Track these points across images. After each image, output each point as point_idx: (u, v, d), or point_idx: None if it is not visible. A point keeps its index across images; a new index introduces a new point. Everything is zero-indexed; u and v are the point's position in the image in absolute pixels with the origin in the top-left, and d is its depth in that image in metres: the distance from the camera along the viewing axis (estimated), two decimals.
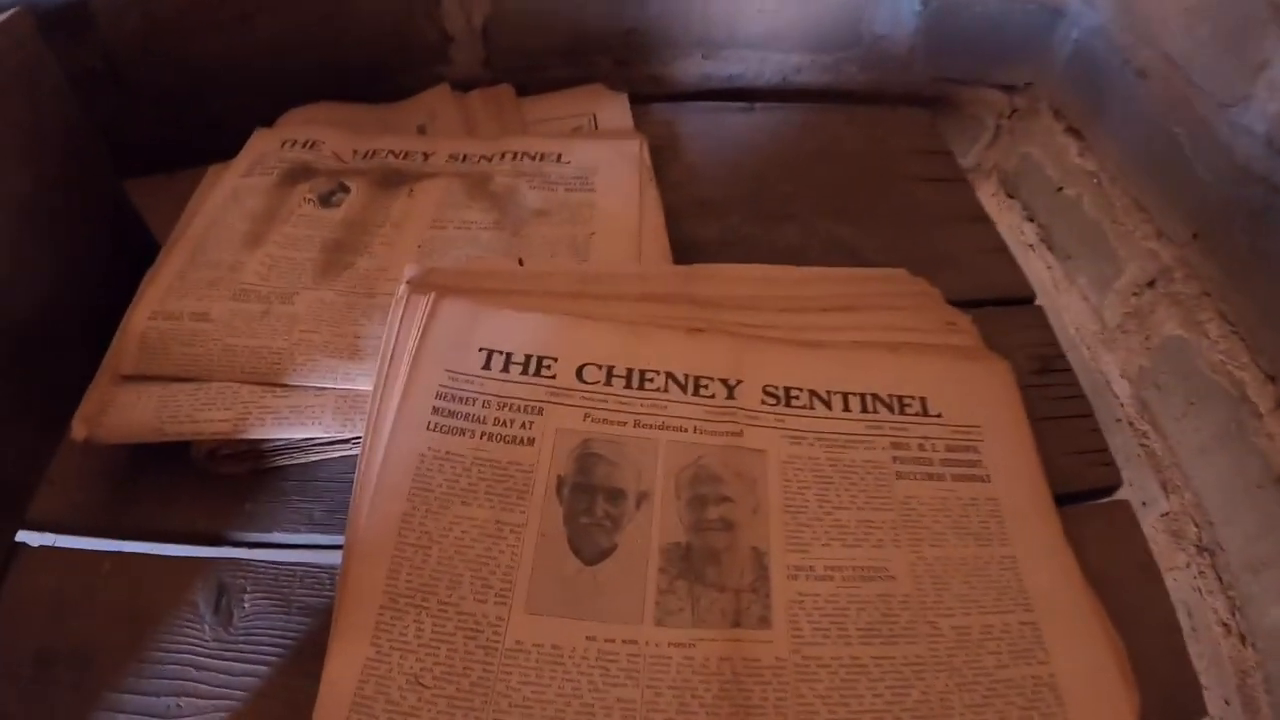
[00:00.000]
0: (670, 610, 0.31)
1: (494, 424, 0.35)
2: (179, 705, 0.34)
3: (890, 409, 0.37)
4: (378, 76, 0.61)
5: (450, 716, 0.29)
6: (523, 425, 0.35)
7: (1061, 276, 0.64)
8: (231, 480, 0.40)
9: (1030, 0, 0.61)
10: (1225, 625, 0.48)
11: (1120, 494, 0.46)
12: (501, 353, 0.37)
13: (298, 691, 0.34)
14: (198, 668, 0.36)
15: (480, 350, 0.37)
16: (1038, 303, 0.48)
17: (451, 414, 0.35)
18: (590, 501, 0.33)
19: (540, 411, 0.36)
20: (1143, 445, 0.56)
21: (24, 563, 0.39)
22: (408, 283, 0.40)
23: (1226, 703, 0.48)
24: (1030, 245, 0.67)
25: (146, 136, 0.57)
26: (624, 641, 0.30)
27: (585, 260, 0.44)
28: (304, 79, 0.60)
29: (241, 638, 0.36)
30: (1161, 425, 0.54)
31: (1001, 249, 0.50)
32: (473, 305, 0.39)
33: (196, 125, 0.60)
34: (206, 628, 0.36)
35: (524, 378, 0.37)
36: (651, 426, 0.35)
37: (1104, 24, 0.58)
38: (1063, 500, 0.38)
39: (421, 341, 0.37)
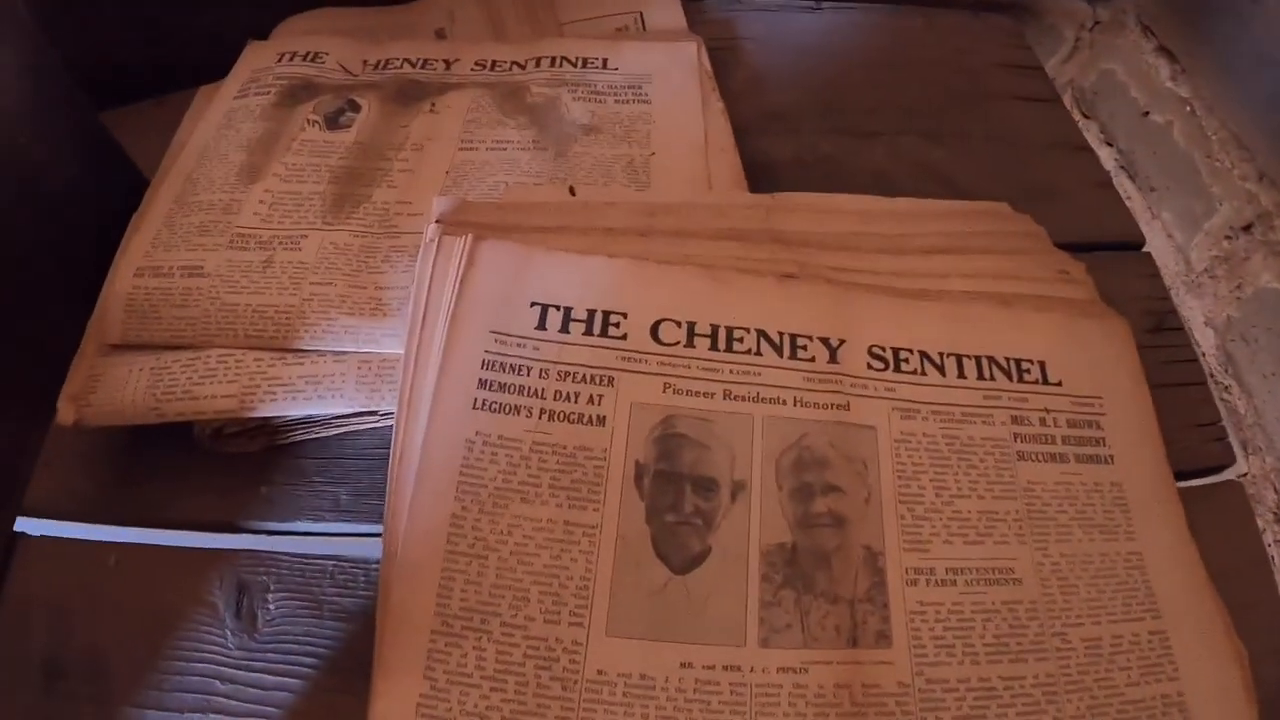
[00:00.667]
0: (777, 628, 0.25)
1: (555, 399, 0.28)
2: None
3: (1008, 375, 0.30)
4: None
5: None
6: (590, 400, 0.28)
7: (1143, 210, 0.55)
8: (243, 460, 0.33)
9: None
10: None
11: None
12: (559, 308, 0.29)
13: (340, 710, 0.28)
14: (222, 680, 0.29)
15: (533, 305, 0.29)
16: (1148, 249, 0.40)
17: (502, 388, 0.28)
18: (677, 495, 0.26)
19: (611, 382, 0.28)
20: (1223, 400, 0.49)
21: (25, 557, 0.32)
22: (437, 221, 0.32)
23: None
24: (1109, 171, 0.58)
25: (127, 58, 0.46)
26: (725, 668, 0.24)
27: (647, 187, 0.36)
28: None
29: (269, 645, 0.30)
30: (1247, 382, 0.47)
31: (1107, 184, 0.42)
32: (520, 249, 0.30)
33: (185, 42, 0.49)
34: (229, 633, 0.30)
35: (588, 338, 0.29)
36: (744, 399, 0.28)
37: None
38: (1178, 479, 0.32)
39: (459, 296, 0.29)
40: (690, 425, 0.27)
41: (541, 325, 0.29)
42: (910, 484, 0.28)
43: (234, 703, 0.29)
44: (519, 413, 0.28)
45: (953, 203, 0.36)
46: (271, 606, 0.31)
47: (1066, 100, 0.61)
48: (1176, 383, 0.36)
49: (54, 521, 0.33)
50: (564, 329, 0.29)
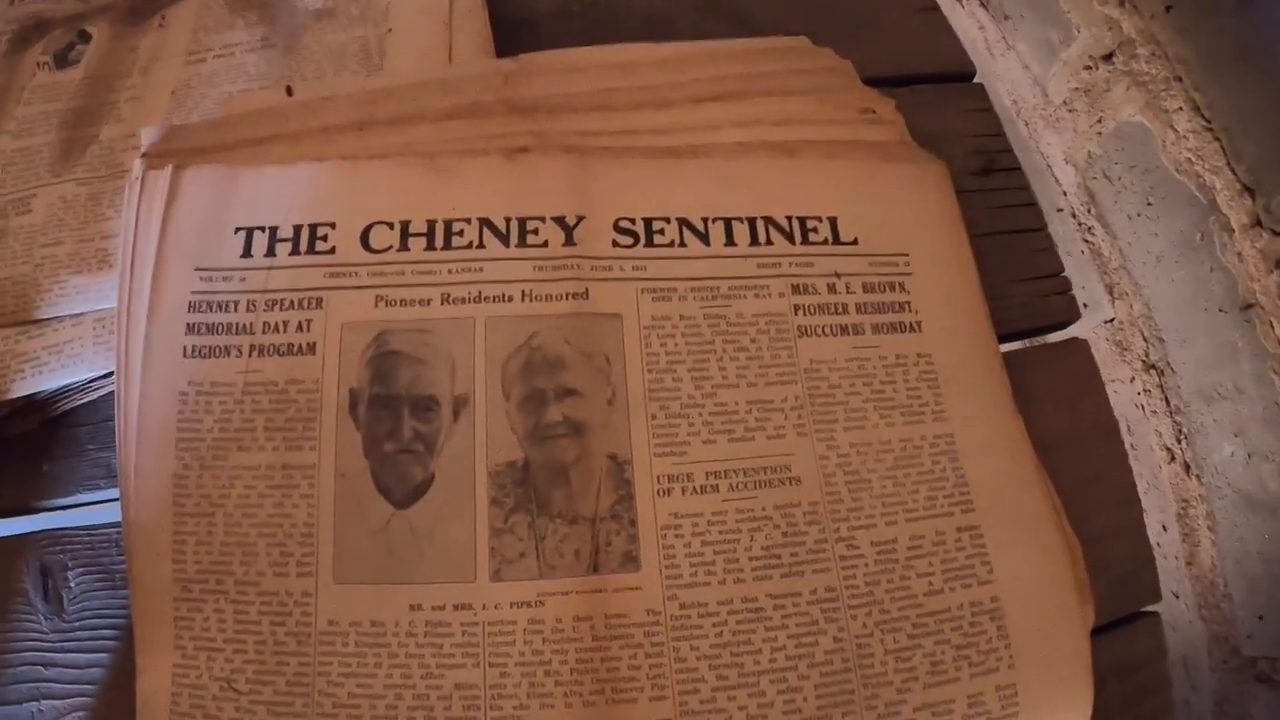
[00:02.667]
0: (509, 558, 0.19)
1: (264, 332, 0.21)
2: (39, 709, 0.24)
3: (789, 237, 0.23)
4: None
5: None
6: (299, 327, 0.21)
7: (997, 39, 0.45)
8: (24, 440, 0.27)
9: None
10: (1169, 450, 0.37)
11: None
12: (265, 229, 0.22)
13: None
14: (46, 665, 0.25)
15: (237, 231, 0.22)
16: (977, 79, 0.31)
17: (211, 328, 0.21)
18: (395, 420, 0.20)
19: (319, 304, 0.21)
20: (1087, 241, 0.41)
21: None
22: (143, 155, 0.24)
23: (1164, 528, 0.38)
24: (981, 27, 0.47)
25: None
26: (455, 607, 0.19)
27: (379, 71, 0.27)
28: None
29: (77, 624, 0.25)
30: (1110, 222, 0.39)
31: (932, 7, 0.32)
32: (224, 170, 0.23)
33: None
34: (42, 618, 0.25)
35: (295, 259, 0.22)
36: (465, 300, 0.21)
37: None
38: (1006, 339, 0.25)
39: (163, 235, 0.22)
40: (405, 340, 0.21)
41: (247, 252, 0.22)
42: (663, 377, 0.21)
43: (59, 685, 0.25)
44: (229, 354, 0.21)
45: (734, 41, 0.27)
46: (73, 584, 0.26)
47: None
48: (1010, 230, 0.29)
49: None
50: (270, 252, 0.22)
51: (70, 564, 0.27)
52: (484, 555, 0.19)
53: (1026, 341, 0.27)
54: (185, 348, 0.22)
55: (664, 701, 0.18)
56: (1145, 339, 0.38)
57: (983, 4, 0.45)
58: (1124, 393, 0.40)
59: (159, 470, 0.21)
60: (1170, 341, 0.36)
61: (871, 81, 0.29)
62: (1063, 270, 0.29)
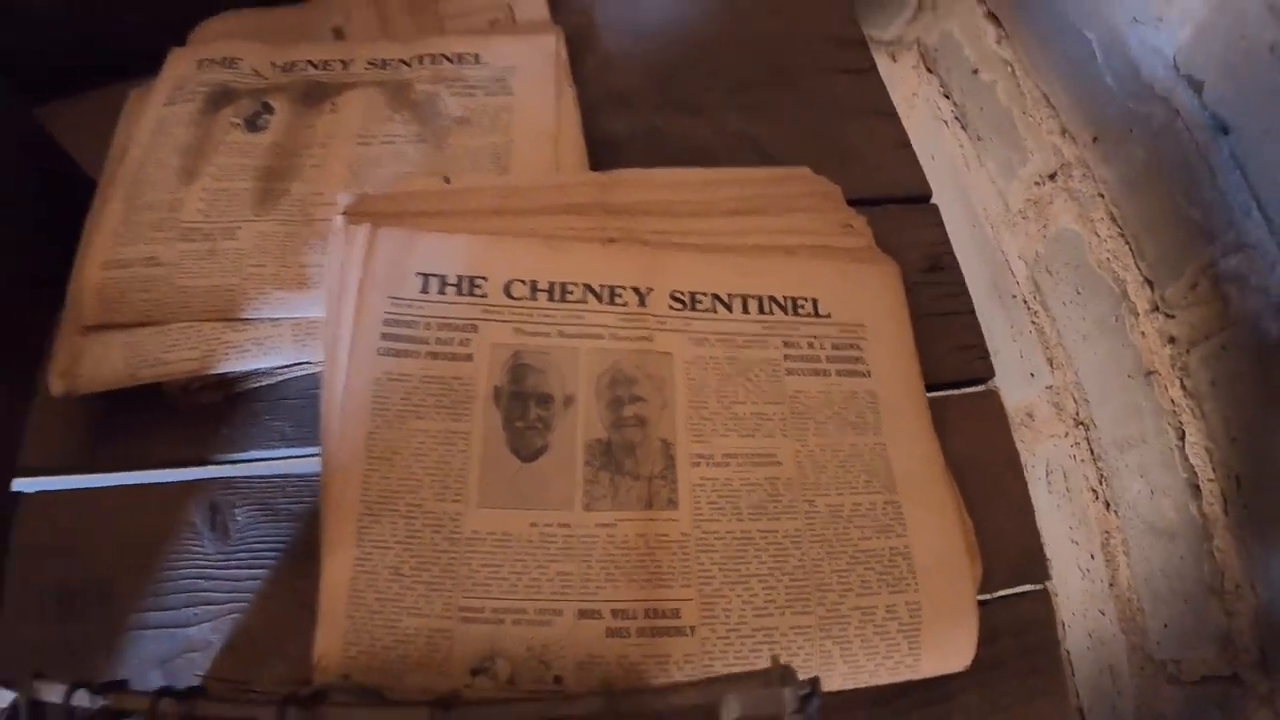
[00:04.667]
0: (596, 497, 0.38)
1: (436, 344, 0.40)
2: (195, 614, 0.41)
3: (784, 310, 0.43)
4: None
5: (427, 598, 0.36)
6: (460, 343, 0.40)
7: (973, 156, 0.68)
8: (206, 409, 0.45)
9: None
10: (1094, 491, 0.58)
11: (1012, 365, 0.52)
12: (437, 276, 0.41)
13: (296, 589, 0.41)
14: (206, 579, 0.43)
15: (418, 275, 0.42)
16: (955, 189, 0.52)
17: (398, 338, 0.40)
18: (524, 407, 0.39)
19: (475, 329, 0.40)
20: (1034, 323, 0.63)
21: (28, 510, 0.44)
22: (344, 213, 0.43)
23: (1092, 557, 0.58)
24: (945, 121, 0.70)
25: (46, 59, 0.55)
26: (559, 525, 0.37)
27: (506, 170, 0.48)
28: None
29: (240, 547, 0.43)
30: (1051, 308, 0.61)
31: (905, 145, 0.54)
32: (407, 232, 0.42)
33: (101, 41, 0.58)
34: (207, 543, 0.43)
35: (459, 298, 0.41)
36: (573, 336, 0.41)
37: None
38: (939, 388, 0.44)
39: (365, 273, 0.42)
40: (533, 357, 0.41)
41: (425, 290, 0.41)
42: (698, 394, 0.41)
43: (216, 594, 0.42)
44: (411, 356, 0.40)
45: (756, 170, 0.48)
46: (239, 519, 0.44)
47: (913, 55, 0.73)
48: (947, 312, 0.49)
49: (48, 478, 0.45)
50: (441, 292, 0.41)
51: (238, 503, 0.44)
52: (579, 495, 0.38)
53: (954, 390, 0.47)
54: (380, 348, 0.40)
55: (688, 588, 0.37)
56: (1075, 401, 0.59)
57: (963, 127, 0.68)
58: (1061, 446, 0.60)
59: (356, 428, 0.39)
60: (1093, 402, 0.57)
61: (854, 201, 0.50)
62: (983, 342, 0.49)
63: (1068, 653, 0.64)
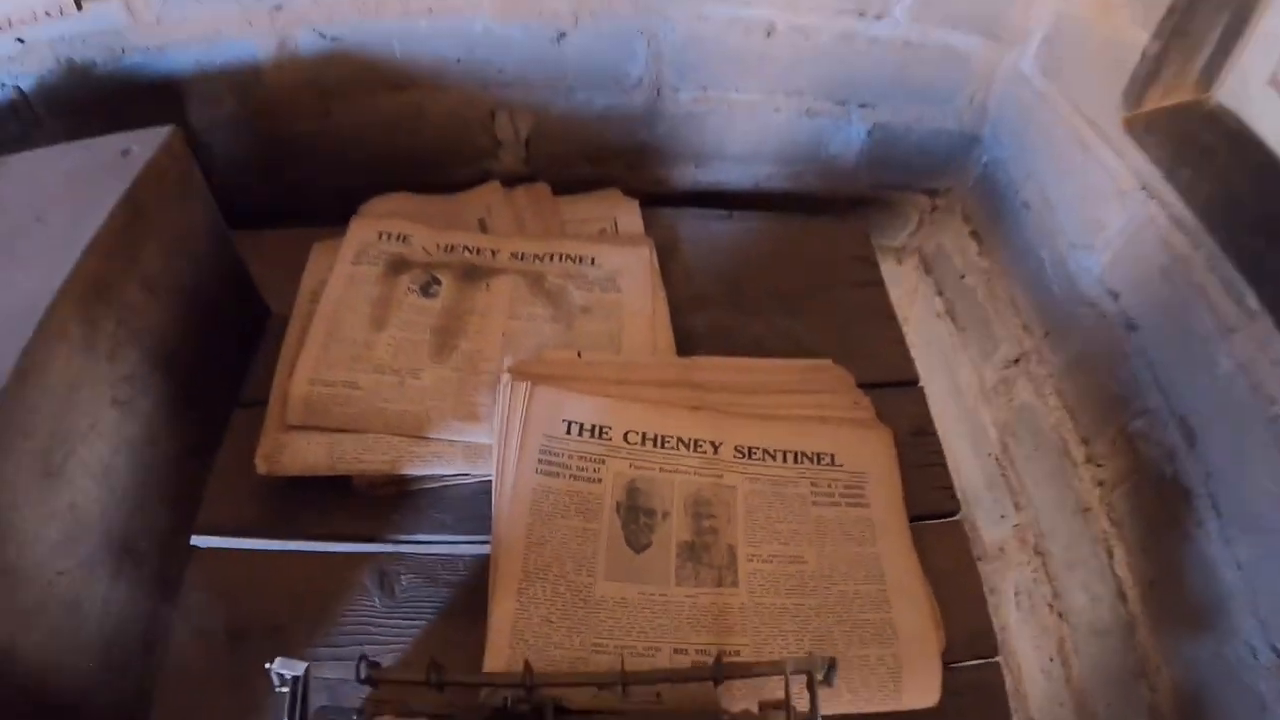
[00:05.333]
0: (683, 577, 0.68)
1: (576, 470, 0.72)
2: (361, 652, 0.57)
3: (812, 461, 0.76)
4: (439, 166, 0.96)
5: (568, 637, 0.66)
6: (594, 471, 0.73)
7: (958, 343, 1.05)
8: (382, 500, 0.76)
9: (955, 128, 1.00)
10: (1050, 605, 0.91)
11: (988, 509, 0.86)
12: (577, 423, 0.74)
13: (449, 639, 0.67)
14: (374, 627, 0.69)
15: (564, 421, 0.74)
16: (921, 384, 0.88)
17: (550, 464, 0.72)
18: (636, 516, 0.71)
19: (603, 462, 0.73)
20: (1003, 475, 0.98)
21: (203, 561, 0.71)
22: (509, 370, 0.77)
23: (1050, 659, 0.90)
24: (938, 314, 1.08)
25: (231, 199, 0.85)
26: (659, 594, 0.68)
27: (618, 349, 0.81)
28: (378, 163, 0.95)
29: (405, 604, 0.71)
30: (1016, 462, 0.96)
31: (900, 341, 0.89)
32: (557, 391, 0.75)
33: (277, 191, 0.94)
34: (376, 600, 0.71)
35: (591, 440, 0.74)
36: (669, 471, 0.73)
37: (1005, 158, 0.97)
38: (920, 519, 0.78)
39: (527, 417, 0.74)
40: (643, 483, 0.72)
41: (568, 432, 0.74)
42: (752, 515, 0.72)
43: (381, 637, 0.69)
44: (559, 476, 0.72)
45: (795, 360, 0.83)
46: (404, 582, 0.73)
47: (915, 260, 1.12)
48: (926, 464, 0.83)
49: (228, 538, 0.73)
50: (580, 435, 0.74)
51: (404, 572, 0.74)
52: (673, 575, 0.68)
53: (931, 520, 0.80)
54: (537, 469, 0.72)
55: (745, 637, 0.65)
56: (1034, 534, 0.93)
57: (952, 319, 1.06)
58: (1024, 571, 0.93)
59: (519, 521, 0.70)
60: (1048, 535, 0.91)
61: (862, 384, 0.85)
62: (952, 485, 0.83)
63: None
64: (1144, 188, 0.75)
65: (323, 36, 0.86)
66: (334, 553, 0.75)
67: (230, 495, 0.76)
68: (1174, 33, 0.70)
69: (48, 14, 0.84)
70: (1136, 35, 0.73)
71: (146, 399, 0.71)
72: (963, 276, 1.03)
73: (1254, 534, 0.65)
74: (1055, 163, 0.87)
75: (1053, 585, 0.92)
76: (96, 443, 0.65)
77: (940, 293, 1.08)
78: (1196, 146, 0.71)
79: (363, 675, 0.55)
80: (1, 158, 0.74)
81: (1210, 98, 0.71)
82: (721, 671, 0.56)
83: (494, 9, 0.86)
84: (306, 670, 0.52)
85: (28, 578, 0.57)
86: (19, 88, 0.88)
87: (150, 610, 0.70)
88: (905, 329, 0.92)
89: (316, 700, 0.56)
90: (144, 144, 0.73)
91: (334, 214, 0.90)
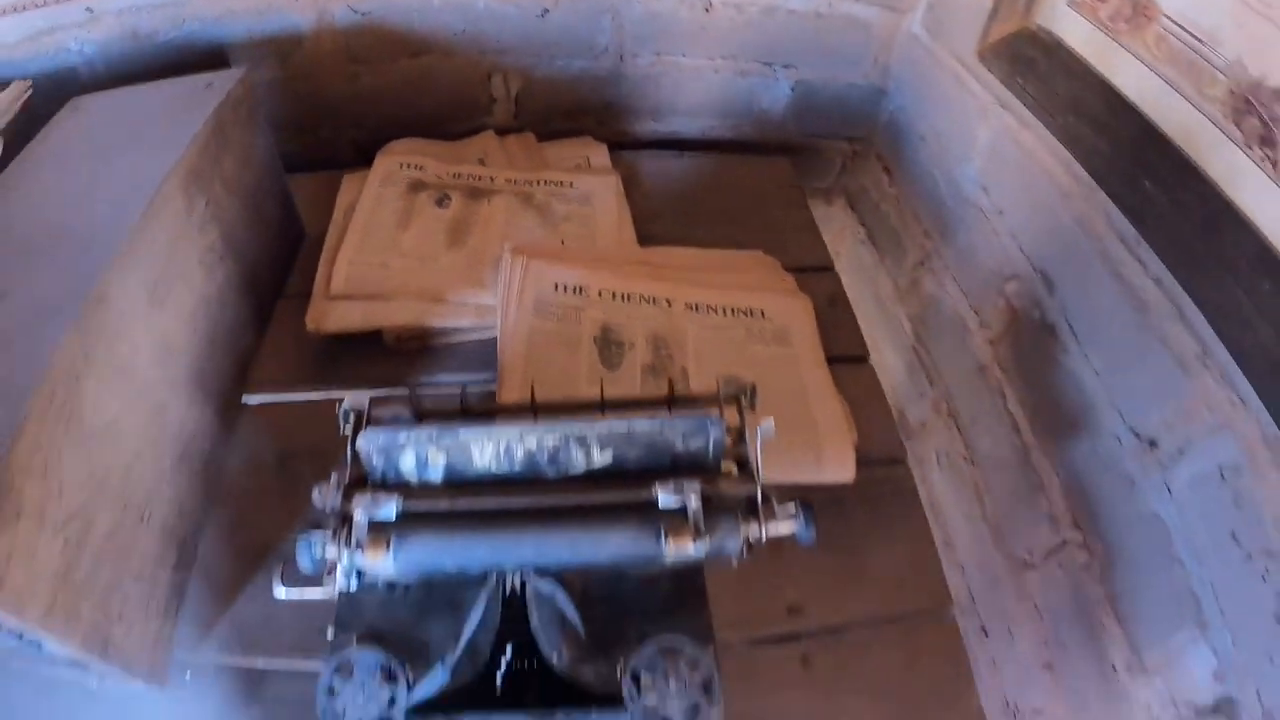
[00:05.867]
0: (647, 390, 0.91)
1: (561, 316, 0.94)
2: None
3: (747, 315, 0.98)
4: (444, 120, 1.20)
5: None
6: (575, 318, 0.94)
7: (877, 261, 1.29)
8: (407, 352, 0.98)
9: (865, 84, 1.26)
10: (964, 457, 1.10)
11: (908, 391, 1.08)
12: (563, 285, 0.97)
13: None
14: None
15: (553, 284, 0.97)
16: (835, 270, 1.11)
17: (541, 312, 0.95)
18: (608, 347, 0.93)
19: (583, 310, 0.94)
20: (919, 360, 1.20)
21: (256, 410, 0.93)
22: (510, 251, 1.00)
23: (971, 504, 1.11)
24: (861, 242, 1.32)
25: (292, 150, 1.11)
26: None
27: (594, 244, 1.05)
28: (392, 115, 1.19)
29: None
30: (927, 345, 1.19)
31: (819, 239, 1.13)
32: (546, 264, 0.98)
33: (308, 143, 1.18)
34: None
35: (573, 296, 0.96)
36: (635, 318, 0.95)
37: (906, 104, 1.22)
38: (837, 359, 1.00)
39: (524, 281, 0.96)
40: (613, 325, 0.93)
41: (555, 291, 0.96)
42: (701, 349, 0.92)
43: None
44: (549, 319, 0.94)
45: (736, 251, 1.07)
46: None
47: (841, 202, 1.36)
48: (838, 322, 1.05)
49: (276, 393, 0.95)
50: (564, 292, 0.96)
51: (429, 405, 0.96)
52: (638, 386, 0.91)
53: (845, 362, 1.02)
54: (533, 315, 0.94)
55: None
56: (946, 400, 1.15)
57: (873, 243, 1.30)
58: (942, 435, 1.13)
59: (520, 348, 0.91)
60: (955, 397, 1.12)
61: (787, 268, 1.09)
62: (861, 335, 1.04)
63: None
64: (997, 101, 0.99)
65: (355, 11, 1.11)
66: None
67: (278, 359, 0.98)
68: None
69: None
70: None
71: (220, 270, 0.92)
72: (878, 205, 1.28)
73: (1103, 345, 0.86)
74: (941, 101, 1.13)
75: (964, 438, 1.13)
76: (185, 293, 0.85)
77: (863, 224, 1.32)
78: (1027, 61, 0.96)
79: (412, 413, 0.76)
80: (110, 91, 0.97)
81: (1033, 22, 0.96)
82: (674, 401, 0.75)
83: None
84: (370, 400, 0.72)
85: (134, 377, 0.76)
86: (84, 52, 1.10)
87: (215, 435, 0.90)
88: (837, 261, 1.14)
89: None
90: (222, 80, 0.97)
91: (354, 163, 1.14)
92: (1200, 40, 0.74)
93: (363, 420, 0.73)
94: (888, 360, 1.26)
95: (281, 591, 0.66)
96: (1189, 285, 0.74)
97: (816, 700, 0.78)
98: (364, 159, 1.15)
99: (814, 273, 1.08)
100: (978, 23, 1.01)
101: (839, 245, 1.23)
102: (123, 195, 0.80)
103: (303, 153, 1.15)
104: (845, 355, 1.01)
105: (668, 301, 0.97)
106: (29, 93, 1.00)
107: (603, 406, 0.76)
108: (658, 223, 1.12)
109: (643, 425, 0.68)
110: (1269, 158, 0.68)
